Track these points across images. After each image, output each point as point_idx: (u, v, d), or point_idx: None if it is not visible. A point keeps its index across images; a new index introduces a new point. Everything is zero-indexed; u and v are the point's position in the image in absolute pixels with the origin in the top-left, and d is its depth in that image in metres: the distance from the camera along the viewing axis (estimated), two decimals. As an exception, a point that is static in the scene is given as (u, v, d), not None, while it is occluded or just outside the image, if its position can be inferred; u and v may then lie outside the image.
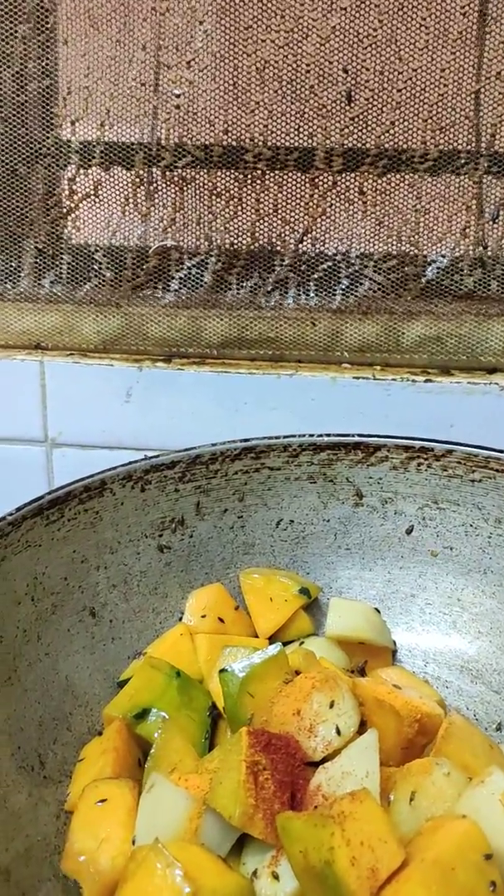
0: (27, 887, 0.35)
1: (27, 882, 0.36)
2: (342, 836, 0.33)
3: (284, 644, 0.46)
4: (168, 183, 0.58)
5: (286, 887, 0.34)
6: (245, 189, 0.58)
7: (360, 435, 0.52)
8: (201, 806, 0.37)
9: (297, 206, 0.58)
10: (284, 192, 0.58)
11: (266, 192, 0.58)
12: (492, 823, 0.34)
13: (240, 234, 0.59)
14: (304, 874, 0.33)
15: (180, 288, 0.60)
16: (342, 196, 0.58)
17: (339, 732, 0.39)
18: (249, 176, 0.58)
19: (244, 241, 0.59)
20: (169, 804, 0.37)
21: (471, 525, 0.51)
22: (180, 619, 0.50)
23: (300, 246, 0.59)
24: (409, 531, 0.52)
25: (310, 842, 0.33)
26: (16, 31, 0.57)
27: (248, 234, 0.59)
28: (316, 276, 0.59)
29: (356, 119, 0.56)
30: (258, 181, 0.58)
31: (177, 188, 0.58)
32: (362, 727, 0.40)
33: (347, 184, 0.57)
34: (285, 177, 0.58)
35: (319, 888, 0.33)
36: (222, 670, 0.41)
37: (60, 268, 0.61)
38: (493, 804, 0.34)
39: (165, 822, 0.36)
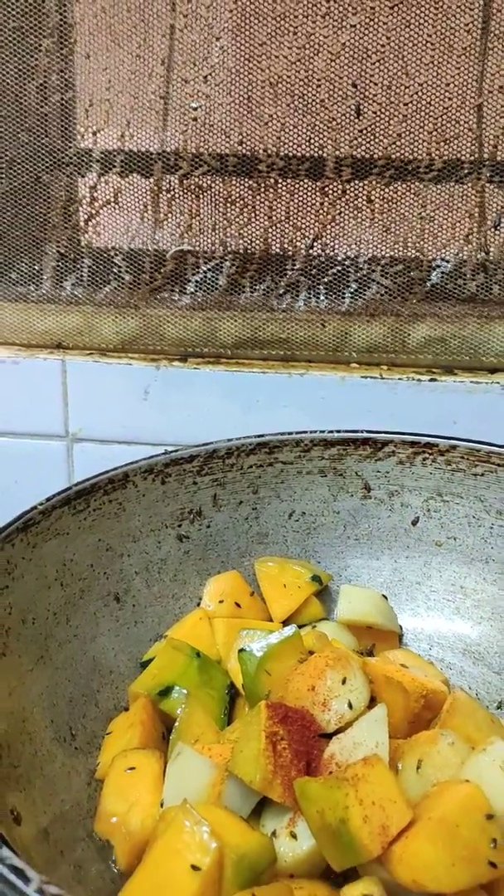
0: (64, 846, 0.38)
1: (64, 842, 0.39)
2: (356, 796, 0.36)
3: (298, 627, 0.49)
4: (185, 191, 0.61)
5: (303, 845, 0.37)
6: (258, 197, 0.61)
7: (368, 431, 0.55)
8: (224, 773, 0.40)
9: (308, 214, 0.61)
10: (296, 200, 0.61)
11: (278, 200, 0.61)
12: (493, 787, 0.36)
13: (253, 239, 0.62)
14: (321, 832, 0.36)
15: (196, 291, 0.63)
16: (351, 204, 0.60)
17: (350, 707, 0.41)
18: (263, 184, 0.61)
19: (257, 246, 0.62)
20: (194, 771, 0.40)
21: (473, 516, 0.53)
22: (198, 604, 0.53)
23: (311, 251, 0.62)
24: (414, 522, 0.55)
25: (326, 802, 0.36)
26: (40, 45, 0.60)
27: (262, 239, 0.62)
28: (326, 279, 0.62)
29: (364, 131, 0.59)
30: (271, 189, 0.61)
31: (193, 196, 0.61)
32: (372, 702, 0.42)
33: (356, 192, 0.60)
34: (297, 185, 0.60)
35: (335, 845, 0.36)
36: (241, 650, 0.44)
37: (81, 271, 0.64)
38: (494, 770, 0.37)
39: (191, 787, 0.39)
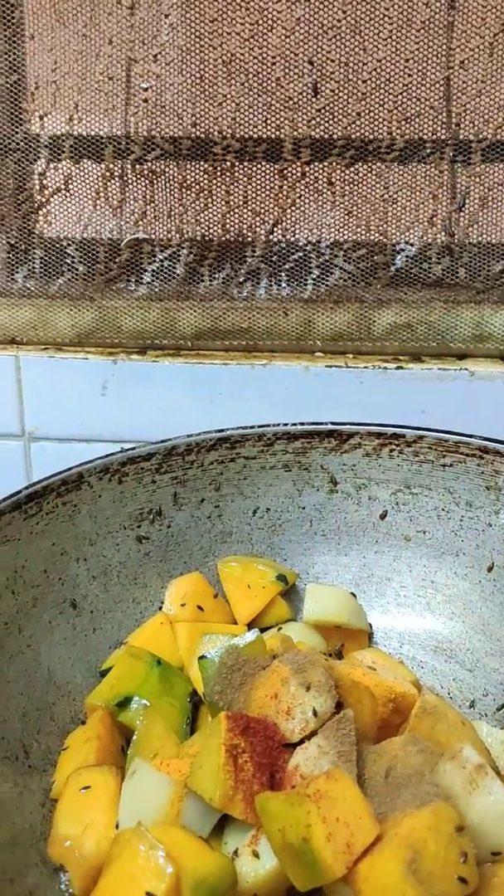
0: (15, 873, 0.36)
1: (14, 868, 0.37)
2: (318, 813, 0.34)
3: (263, 630, 0.47)
4: (138, 176, 0.59)
5: (266, 864, 0.35)
6: (215, 181, 0.58)
7: (333, 423, 0.53)
8: (182, 789, 0.38)
9: (267, 198, 0.59)
10: (254, 184, 0.58)
11: (236, 184, 0.58)
12: (463, 797, 0.35)
13: (211, 225, 0.59)
14: (283, 851, 0.34)
15: (153, 280, 0.60)
16: (311, 186, 0.58)
17: (315, 714, 0.40)
18: (219, 168, 0.58)
19: (215, 233, 0.59)
20: (151, 789, 0.38)
21: (443, 509, 0.52)
22: (160, 608, 0.51)
23: (271, 237, 0.59)
24: (382, 516, 0.53)
25: (287, 820, 0.34)
26: (-18, 26, 0.57)
27: (219, 225, 0.59)
28: (287, 266, 0.60)
29: (323, 110, 0.56)
30: (227, 173, 0.58)
31: (147, 181, 0.59)
32: (338, 708, 0.41)
33: (316, 174, 0.58)
34: (254, 168, 0.58)
35: (298, 864, 0.34)
36: (201, 657, 0.42)
37: (33, 262, 0.61)
38: (464, 778, 0.35)
39: (148, 807, 0.37)
